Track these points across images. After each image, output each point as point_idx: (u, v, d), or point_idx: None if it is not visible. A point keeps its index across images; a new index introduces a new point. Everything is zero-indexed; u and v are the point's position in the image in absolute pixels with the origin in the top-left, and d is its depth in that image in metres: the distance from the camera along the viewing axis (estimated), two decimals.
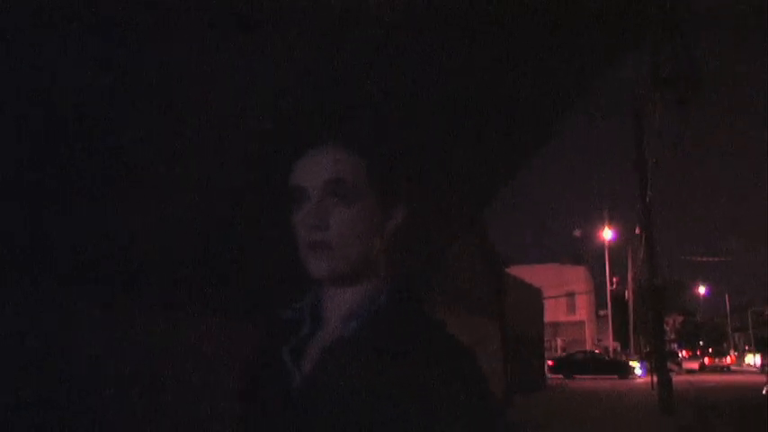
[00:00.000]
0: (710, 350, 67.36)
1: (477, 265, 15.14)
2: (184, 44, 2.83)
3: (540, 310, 24.73)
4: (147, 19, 2.72)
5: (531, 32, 3.68)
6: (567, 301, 38.55)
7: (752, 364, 46.32)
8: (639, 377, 28.82)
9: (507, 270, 18.75)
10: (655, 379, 17.25)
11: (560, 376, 28.23)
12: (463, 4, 3.30)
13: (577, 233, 42.84)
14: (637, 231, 26.43)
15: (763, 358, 24.80)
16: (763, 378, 21.49)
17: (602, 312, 44.15)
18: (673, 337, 59.55)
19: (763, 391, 14.32)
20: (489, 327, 15.43)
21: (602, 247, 40.59)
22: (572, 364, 30.27)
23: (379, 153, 1.06)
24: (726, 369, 44.00)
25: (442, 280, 10.61)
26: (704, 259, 63.79)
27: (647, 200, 16.14)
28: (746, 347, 61.30)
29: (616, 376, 29.30)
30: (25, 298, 3.28)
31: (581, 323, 39.32)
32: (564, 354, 35.23)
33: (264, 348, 1.11)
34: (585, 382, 27.10)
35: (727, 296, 67.85)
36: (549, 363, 29.33)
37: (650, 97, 12.59)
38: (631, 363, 32.01)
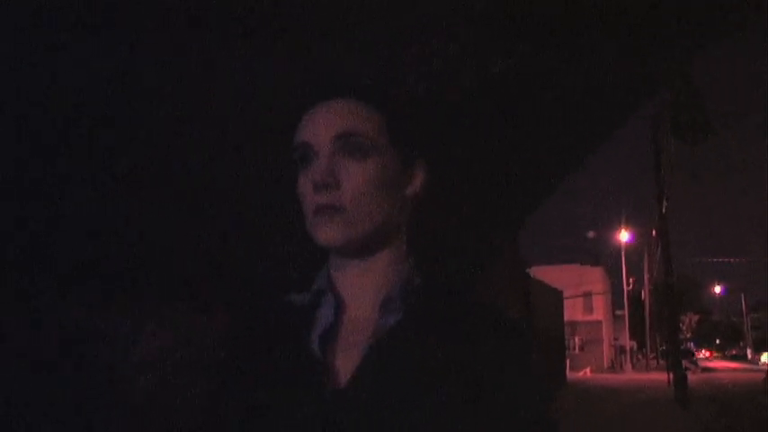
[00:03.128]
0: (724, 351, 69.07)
1: (505, 270, 16.12)
2: (184, 43, 2.74)
3: (560, 311, 25.69)
4: (148, 18, 2.65)
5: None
6: (585, 301, 39.28)
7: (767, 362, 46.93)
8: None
9: (528, 272, 19.77)
10: (671, 376, 18.19)
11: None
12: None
13: (591, 234, 43.50)
14: (653, 234, 27.37)
15: None
16: None
17: (618, 312, 44.84)
18: (689, 335, 60.12)
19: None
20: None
21: (618, 248, 41.39)
22: None
23: (397, 107, 0.93)
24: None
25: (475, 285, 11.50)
26: (720, 260, 64.16)
27: (664, 210, 17.11)
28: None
29: None
30: (26, 298, 3.13)
31: (598, 322, 40.01)
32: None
33: (271, 342, 0.92)
34: (608, 379, 27.94)
35: (743, 295, 68.17)
36: None
37: (666, 135, 13.82)
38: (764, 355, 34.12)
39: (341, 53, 2.75)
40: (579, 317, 38.26)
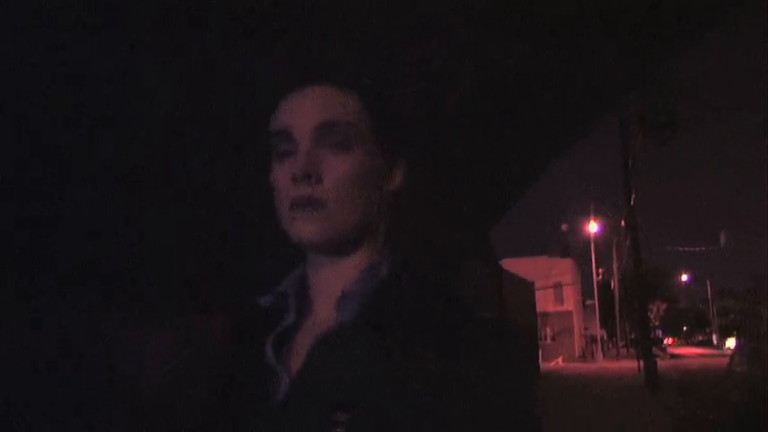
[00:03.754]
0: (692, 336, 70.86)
1: (478, 262, 16.34)
2: (184, 43, 2.73)
3: (532, 303, 26.06)
4: (148, 18, 2.64)
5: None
6: (555, 292, 39.89)
7: (731, 347, 48.32)
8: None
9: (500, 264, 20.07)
10: (641, 363, 18.68)
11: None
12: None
13: (564, 227, 44.15)
14: (622, 224, 27.97)
15: (737, 342, 26.79)
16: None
17: (588, 302, 45.63)
18: (657, 323, 61.45)
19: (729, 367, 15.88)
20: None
21: (587, 239, 42.11)
22: None
23: (380, 92, 0.87)
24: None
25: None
26: (687, 249, 65.53)
27: (632, 203, 17.50)
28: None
29: None
30: (25, 298, 3.10)
31: (569, 313, 40.67)
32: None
33: (241, 345, 0.90)
34: (580, 367, 28.46)
35: (708, 282, 69.78)
36: None
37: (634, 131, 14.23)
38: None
39: (341, 53, 2.74)
40: (550, 308, 38.84)
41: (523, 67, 3.25)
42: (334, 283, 0.84)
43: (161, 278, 3.33)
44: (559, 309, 40.10)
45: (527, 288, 25.01)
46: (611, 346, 48.71)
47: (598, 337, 42.09)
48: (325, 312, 0.84)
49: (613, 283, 42.22)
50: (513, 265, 26.96)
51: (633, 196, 18.02)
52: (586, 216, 41.20)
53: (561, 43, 3.00)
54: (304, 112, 0.82)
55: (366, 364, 0.76)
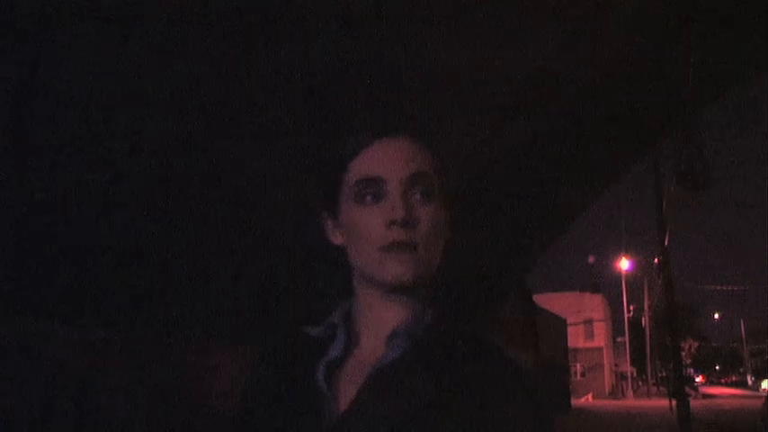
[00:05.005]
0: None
1: (513, 299, 16.72)
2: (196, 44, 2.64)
3: (564, 339, 26.21)
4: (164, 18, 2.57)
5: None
6: (586, 328, 39.68)
7: (766, 389, 47.23)
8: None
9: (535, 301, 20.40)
10: (673, 402, 18.65)
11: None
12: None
13: (591, 259, 43.97)
14: (655, 262, 28.02)
15: None
16: None
17: (619, 339, 45.22)
18: (688, 362, 60.28)
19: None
20: (524, 357, 17.01)
21: (618, 275, 41.97)
22: None
23: (442, 152, 0.93)
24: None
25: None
26: (720, 287, 64.55)
27: (666, 242, 17.72)
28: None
29: None
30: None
31: (599, 349, 40.39)
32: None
33: (285, 371, 0.92)
34: (610, 404, 28.23)
35: (742, 321, 68.36)
36: None
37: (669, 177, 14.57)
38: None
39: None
40: (581, 344, 38.64)
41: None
42: (386, 321, 0.89)
43: (212, 304, 3.27)
44: (590, 345, 39.86)
45: (559, 324, 25.24)
46: (641, 383, 48.05)
47: (629, 374, 41.64)
48: (372, 346, 0.89)
49: (644, 321, 41.89)
50: (544, 300, 27.10)
51: (667, 235, 18.21)
52: (618, 252, 41.13)
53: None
54: (398, 161, 0.88)
55: (418, 398, 0.81)
